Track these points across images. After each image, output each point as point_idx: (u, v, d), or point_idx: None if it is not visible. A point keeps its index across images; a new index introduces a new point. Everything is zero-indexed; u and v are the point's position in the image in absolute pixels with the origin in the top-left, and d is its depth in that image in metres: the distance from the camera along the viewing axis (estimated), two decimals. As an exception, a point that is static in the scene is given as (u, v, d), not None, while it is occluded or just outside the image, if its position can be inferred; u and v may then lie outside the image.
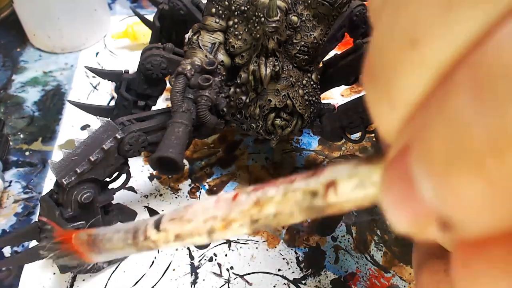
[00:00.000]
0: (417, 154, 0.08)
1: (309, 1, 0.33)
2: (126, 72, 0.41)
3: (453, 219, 0.07)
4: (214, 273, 0.36)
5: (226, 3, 0.34)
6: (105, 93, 0.51)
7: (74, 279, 0.36)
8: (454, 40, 0.07)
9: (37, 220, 0.34)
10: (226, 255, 0.37)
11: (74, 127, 0.48)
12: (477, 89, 0.07)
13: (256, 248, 0.38)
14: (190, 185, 0.43)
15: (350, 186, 0.10)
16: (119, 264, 0.37)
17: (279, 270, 0.36)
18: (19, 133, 0.48)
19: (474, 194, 0.07)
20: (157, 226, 0.14)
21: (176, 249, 0.38)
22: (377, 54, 0.09)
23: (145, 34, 0.54)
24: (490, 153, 0.07)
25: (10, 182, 0.43)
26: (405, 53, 0.08)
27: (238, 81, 0.35)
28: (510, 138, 0.06)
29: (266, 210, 0.11)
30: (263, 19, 0.31)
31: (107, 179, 0.33)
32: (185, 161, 0.44)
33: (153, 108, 0.42)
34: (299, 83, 0.35)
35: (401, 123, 0.09)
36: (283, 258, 0.37)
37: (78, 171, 0.30)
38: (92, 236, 0.17)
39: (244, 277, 0.36)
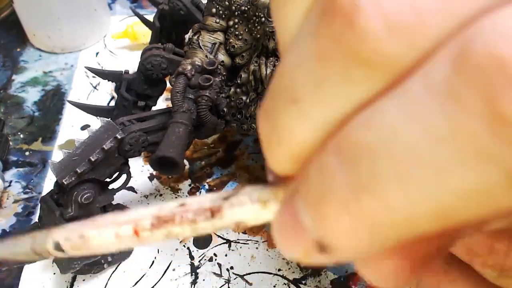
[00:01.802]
0: (300, 193, 0.10)
1: (310, 1, 0.33)
2: (126, 72, 0.41)
3: (329, 243, 0.10)
4: (214, 273, 0.36)
5: (227, 3, 0.34)
6: (105, 93, 0.51)
7: (74, 279, 0.36)
8: (327, 108, 0.09)
9: (37, 220, 0.34)
10: (226, 255, 0.37)
11: (74, 127, 0.48)
12: (342, 156, 0.09)
13: (256, 248, 0.38)
14: (190, 185, 0.43)
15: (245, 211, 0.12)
16: (119, 264, 0.37)
17: (279, 270, 0.36)
18: (19, 133, 0.48)
19: (340, 223, 0.09)
20: (58, 247, 0.14)
21: (176, 249, 0.38)
22: (270, 97, 0.10)
23: (145, 34, 0.54)
24: (350, 196, 0.09)
25: (10, 182, 0.43)
26: (289, 105, 0.10)
27: (239, 81, 0.35)
28: (364, 187, 0.09)
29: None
30: (263, 19, 0.31)
31: (107, 180, 0.33)
32: (185, 161, 0.44)
33: (153, 108, 0.42)
34: (299, 83, 0.35)
35: (289, 161, 0.10)
36: (283, 258, 0.37)
37: (79, 171, 0.30)
38: None
39: (244, 277, 0.36)
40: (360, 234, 0.09)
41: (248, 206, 0.12)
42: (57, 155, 0.45)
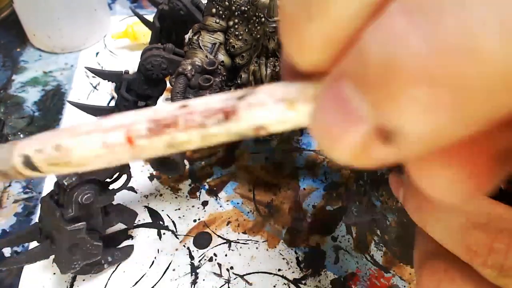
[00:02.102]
0: (350, 76, 0.08)
1: (310, 2, 0.33)
2: (126, 72, 0.41)
3: (396, 127, 0.07)
4: (214, 273, 0.36)
5: (227, 3, 0.34)
6: (105, 93, 0.51)
7: (74, 279, 0.36)
8: None
9: (37, 220, 0.34)
10: (226, 255, 0.37)
11: (74, 127, 0.48)
12: (408, 10, 0.07)
13: (256, 248, 0.38)
14: (190, 185, 0.43)
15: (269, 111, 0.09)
16: (119, 264, 0.37)
17: (279, 270, 0.36)
18: (19, 133, 0.48)
19: (415, 99, 0.07)
20: (28, 163, 0.10)
21: (176, 249, 0.38)
22: None
23: (145, 34, 0.54)
24: (432, 58, 0.07)
25: (10, 182, 0.43)
26: None
27: (239, 81, 0.35)
28: (450, 40, 0.06)
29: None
30: (263, 19, 0.31)
31: (108, 180, 0.33)
32: (185, 161, 0.44)
33: (153, 108, 0.42)
34: (299, 83, 0.35)
35: (323, 45, 0.08)
36: (283, 258, 0.37)
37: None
38: None
39: (244, 277, 0.36)
40: (441, 108, 0.07)
41: (271, 106, 0.09)
42: (57, 155, 0.45)
